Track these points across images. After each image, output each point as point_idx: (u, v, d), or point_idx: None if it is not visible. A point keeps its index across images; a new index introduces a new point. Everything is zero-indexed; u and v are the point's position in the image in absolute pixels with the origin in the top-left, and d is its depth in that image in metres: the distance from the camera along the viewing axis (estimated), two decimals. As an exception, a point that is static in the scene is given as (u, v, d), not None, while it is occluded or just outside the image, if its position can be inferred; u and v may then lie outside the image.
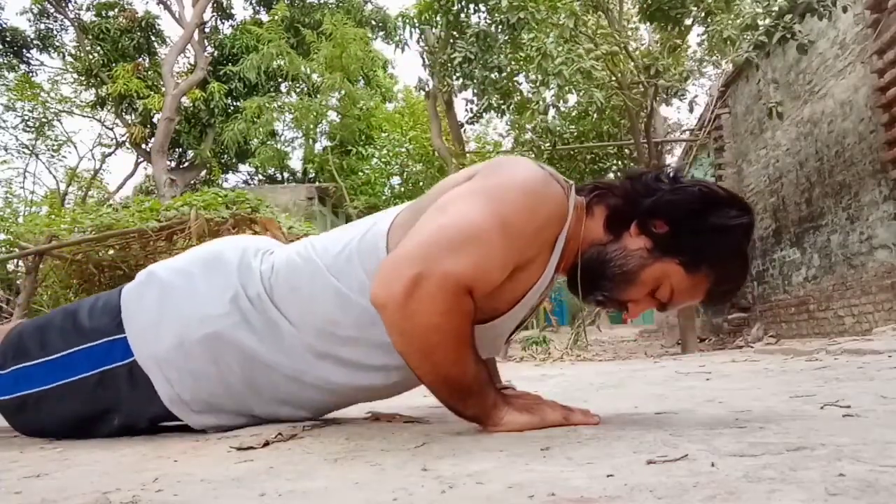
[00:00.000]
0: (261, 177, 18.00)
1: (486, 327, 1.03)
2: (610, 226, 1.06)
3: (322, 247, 1.11)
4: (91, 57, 14.17)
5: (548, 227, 0.99)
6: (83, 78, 14.67)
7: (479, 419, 0.98)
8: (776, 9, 5.54)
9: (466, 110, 10.68)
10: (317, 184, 13.85)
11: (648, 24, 6.86)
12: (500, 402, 0.99)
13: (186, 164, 15.64)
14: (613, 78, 7.00)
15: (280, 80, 14.19)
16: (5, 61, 15.19)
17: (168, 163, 13.92)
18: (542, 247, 1.01)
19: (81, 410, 1.11)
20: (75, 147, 23.92)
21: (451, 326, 0.91)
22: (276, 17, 13.23)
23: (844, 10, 5.19)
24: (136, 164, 17.54)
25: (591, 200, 1.09)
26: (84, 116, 16.98)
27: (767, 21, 5.60)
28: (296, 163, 17.32)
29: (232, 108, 14.08)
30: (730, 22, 5.84)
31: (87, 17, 14.90)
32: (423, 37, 8.95)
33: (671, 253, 1.02)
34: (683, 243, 1.01)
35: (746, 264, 1.07)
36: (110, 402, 1.10)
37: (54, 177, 17.71)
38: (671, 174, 1.07)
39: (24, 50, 15.20)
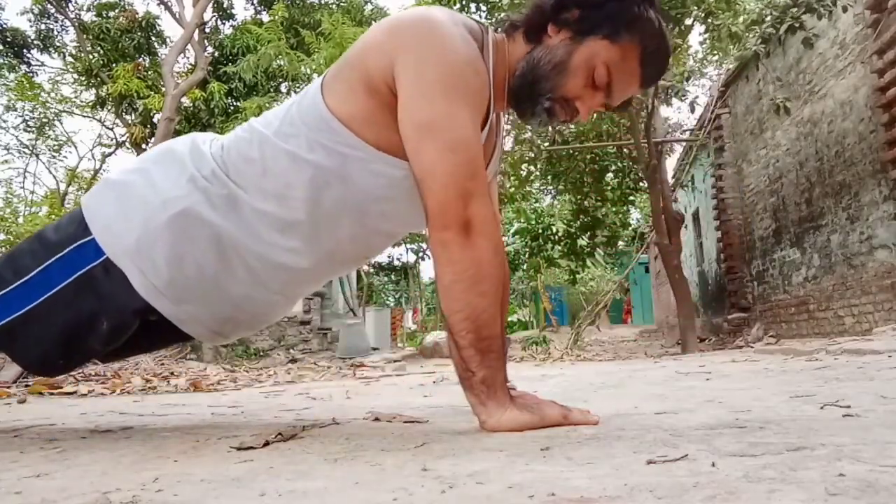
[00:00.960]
0: (261, 177, 17.97)
1: None
2: (528, 38, 1.11)
3: (264, 119, 1.16)
4: (91, 57, 14.18)
5: (482, 84, 1.05)
6: (83, 78, 14.67)
7: (485, 387, 0.99)
8: (780, 3, 5.53)
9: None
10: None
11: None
12: (507, 390, 1.02)
13: (186, 164, 15.62)
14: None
15: (280, 80, 14.19)
16: (6, 61, 15.19)
17: (168, 163, 13.90)
18: (484, 100, 1.07)
19: (68, 321, 1.11)
20: (75, 147, 23.95)
21: (499, 261, 1.02)
22: (276, 18, 13.23)
23: (844, 9, 5.19)
24: (136, 164, 17.51)
25: (508, 31, 1.15)
26: (84, 116, 16.99)
27: (772, 16, 5.59)
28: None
29: (232, 108, 14.08)
30: (732, 19, 5.83)
31: (88, 17, 14.90)
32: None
33: (590, 31, 1.06)
34: (597, 17, 1.06)
35: (662, 23, 1.09)
36: (93, 306, 1.10)
37: (54, 177, 17.72)
38: None
39: (24, 50, 15.21)
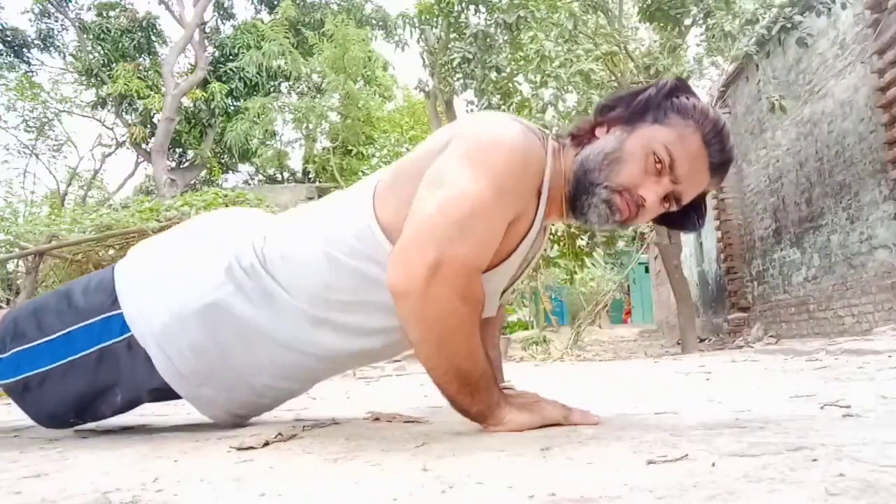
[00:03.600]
0: (261, 177, 18.01)
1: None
2: (578, 141, 1.09)
3: (310, 215, 1.14)
4: (91, 57, 14.18)
5: (532, 179, 1.01)
6: (84, 78, 14.67)
7: (482, 416, 0.99)
8: (777, 4, 5.53)
9: (467, 110, 10.68)
10: (317, 184, 13.85)
11: (648, 23, 6.85)
12: (503, 400, 1.00)
13: (186, 164, 15.65)
14: (613, 78, 7.00)
15: (281, 79, 14.19)
16: (6, 61, 15.19)
17: (168, 163, 13.93)
18: (530, 198, 1.03)
19: (84, 388, 1.12)
20: (75, 147, 23.95)
21: (468, 311, 0.94)
22: (282, 16, 13.22)
23: (844, 6, 5.19)
24: (137, 164, 17.55)
25: (564, 140, 1.12)
26: (84, 116, 16.99)
27: (768, 17, 5.60)
28: (296, 163, 17.33)
29: (232, 108, 14.08)
30: (729, 19, 5.83)
31: (88, 16, 14.91)
32: (423, 37, 8.96)
33: (638, 118, 1.03)
34: (640, 106, 1.04)
35: (706, 106, 1.05)
36: (111, 378, 1.11)
37: (54, 177, 17.70)
38: None
39: (24, 50, 15.21)
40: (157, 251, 1.19)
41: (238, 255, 1.09)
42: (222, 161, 16.09)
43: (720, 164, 1.04)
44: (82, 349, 1.10)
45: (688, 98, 1.05)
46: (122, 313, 1.10)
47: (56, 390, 1.12)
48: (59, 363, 1.11)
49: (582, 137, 1.09)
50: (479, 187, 0.93)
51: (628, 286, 20.79)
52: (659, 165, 1.01)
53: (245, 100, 13.28)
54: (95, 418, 1.19)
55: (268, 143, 14.31)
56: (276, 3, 14.51)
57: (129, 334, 1.09)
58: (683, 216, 1.12)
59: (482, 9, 7.58)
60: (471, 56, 7.06)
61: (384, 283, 0.96)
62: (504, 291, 1.20)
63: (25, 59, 15.49)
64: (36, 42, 15.13)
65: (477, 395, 0.97)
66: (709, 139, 1.02)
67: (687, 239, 11.43)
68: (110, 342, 1.10)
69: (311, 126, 12.89)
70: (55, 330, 1.12)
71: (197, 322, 1.07)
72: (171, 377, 1.09)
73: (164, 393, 1.14)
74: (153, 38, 14.66)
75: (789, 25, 5.35)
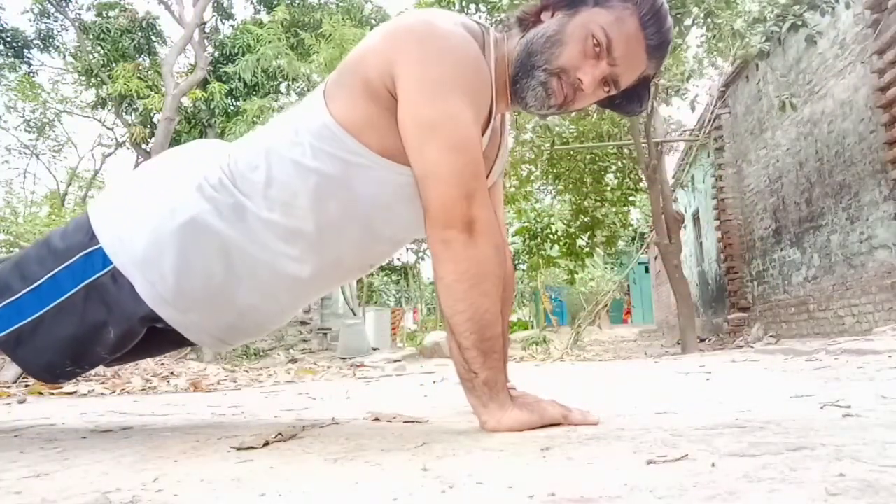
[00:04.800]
0: (261, 177, 17.97)
1: None
2: (522, 26, 1.11)
3: (269, 127, 1.16)
4: (91, 57, 14.18)
5: (484, 81, 1.04)
6: (84, 78, 14.67)
7: (488, 388, 1.00)
8: (782, 2, 5.52)
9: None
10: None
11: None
12: (507, 390, 1.02)
13: (186, 164, 15.64)
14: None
15: (280, 80, 14.19)
16: (6, 62, 15.20)
17: (168, 163, 13.90)
18: (487, 98, 1.06)
19: (76, 329, 1.11)
20: (76, 147, 23.94)
21: (499, 261, 1.01)
22: (276, 18, 13.23)
23: (847, 5, 5.18)
24: (137, 164, 17.56)
25: (505, 29, 1.14)
26: (84, 116, 17.00)
27: (775, 13, 5.58)
28: (296, 163, 17.29)
29: (232, 108, 14.09)
30: (736, 18, 5.82)
31: (88, 17, 14.91)
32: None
33: (581, 3, 1.05)
34: None
35: None
36: (101, 314, 1.10)
37: (54, 177, 17.72)
38: None
39: (24, 50, 15.21)
40: (127, 184, 1.20)
41: (206, 174, 1.11)
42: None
43: (657, 45, 1.06)
44: (68, 290, 1.10)
45: None
46: (101, 247, 1.10)
47: (49, 337, 1.12)
48: (48, 308, 1.10)
49: (527, 21, 1.11)
50: (465, 122, 0.99)
51: (628, 286, 20.80)
52: (597, 48, 1.03)
53: (245, 100, 13.28)
54: (93, 362, 1.18)
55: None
56: (274, 3, 14.51)
57: (111, 266, 1.09)
58: (626, 99, 1.15)
59: (483, 8, 7.57)
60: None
61: (347, 182, 1.05)
62: None
63: (26, 59, 15.49)
64: (36, 42, 15.12)
65: (489, 358, 0.99)
66: (645, 20, 1.04)
67: (687, 239, 11.44)
68: (94, 277, 1.09)
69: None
70: (38, 277, 1.11)
71: (175, 242, 1.08)
72: (156, 303, 1.09)
73: (155, 321, 1.13)
74: (153, 38, 14.67)
75: (799, 23, 5.34)
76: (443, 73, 1.00)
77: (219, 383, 3.44)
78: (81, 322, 1.10)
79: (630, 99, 1.15)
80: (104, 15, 14.52)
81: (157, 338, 1.19)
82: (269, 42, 12.58)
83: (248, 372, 4.91)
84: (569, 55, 1.04)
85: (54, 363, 1.16)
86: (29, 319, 1.11)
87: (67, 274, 1.10)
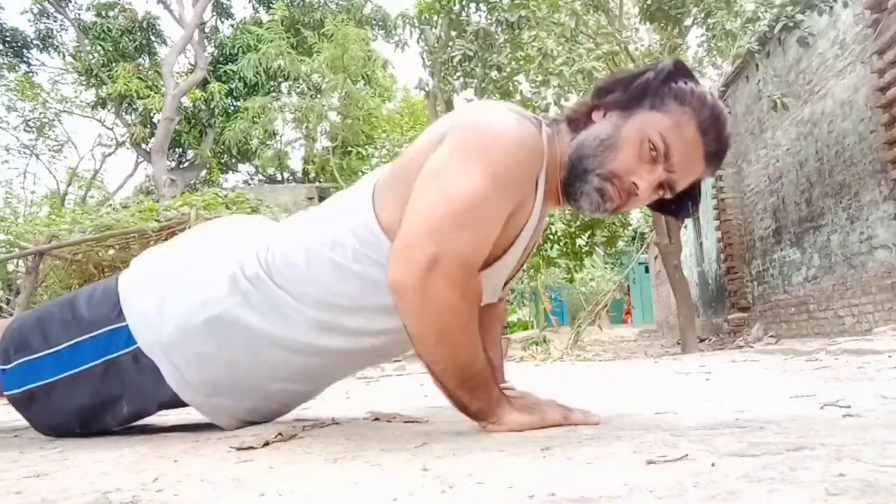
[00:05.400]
0: (261, 177, 18.00)
1: (483, 274, 1.03)
2: (573, 126, 1.08)
3: (312, 221, 1.13)
4: (91, 57, 14.18)
5: (530, 170, 1.00)
6: (83, 78, 14.68)
7: (483, 413, 0.99)
8: (777, 3, 5.53)
9: (466, 109, 10.64)
10: (317, 184, 13.84)
11: (648, 24, 6.85)
12: (503, 399, 1.00)
13: (186, 164, 15.65)
14: (614, 78, 6.97)
15: (281, 80, 14.19)
16: (5, 61, 15.20)
17: (168, 163, 13.93)
18: (529, 188, 1.02)
19: (90, 399, 1.11)
20: (75, 147, 23.97)
21: (466, 306, 0.93)
22: (276, 17, 13.23)
23: (845, 5, 5.18)
24: (137, 164, 17.57)
25: (555, 126, 1.11)
26: (84, 116, 17.00)
27: (769, 15, 5.59)
28: (296, 163, 17.32)
29: (232, 108, 14.09)
30: (730, 18, 5.83)
31: (88, 17, 14.92)
32: (422, 36, 8.95)
33: (635, 103, 1.02)
34: (638, 91, 1.02)
35: (704, 93, 1.03)
36: (118, 390, 1.10)
37: (54, 177, 17.73)
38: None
39: (24, 50, 15.22)
40: (160, 261, 1.17)
41: (242, 265, 1.08)
42: (222, 161, 16.09)
43: (715, 152, 1.03)
44: (88, 361, 1.09)
45: (686, 83, 1.03)
46: (127, 325, 1.09)
47: (62, 402, 1.12)
48: (65, 375, 1.10)
49: (578, 121, 1.08)
50: (476, 181, 0.92)
51: (628, 286, 20.79)
52: (654, 153, 1.00)
53: (245, 100, 13.28)
54: (101, 430, 1.18)
55: (268, 143, 14.32)
56: (273, 2, 14.50)
57: (135, 346, 1.08)
58: (678, 202, 1.11)
59: (483, 7, 7.57)
60: (472, 54, 7.05)
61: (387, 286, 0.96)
62: (507, 282, 1.21)
63: (25, 59, 15.50)
64: (36, 42, 15.13)
65: (476, 392, 0.97)
66: (705, 127, 1.01)
67: (687, 239, 11.44)
68: (116, 354, 1.09)
69: (310, 126, 12.89)
70: (60, 341, 1.11)
71: (203, 333, 1.06)
72: (180, 387, 1.09)
73: (171, 403, 1.13)
74: (153, 38, 14.67)
75: (791, 24, 5.34)
76: (474, 145, 0.95)
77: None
78: (96, 394, 1.11)
79: (682, 201, 1.11)
80: (104, 15, 14.53)
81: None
82: (271, 41, 12.58)
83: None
84: (623, 159, 1.00)
85: (63, 424, 1.17)
86: (44, 382, 1.11)
87: (90, 345, 1.10)
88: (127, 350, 1.08)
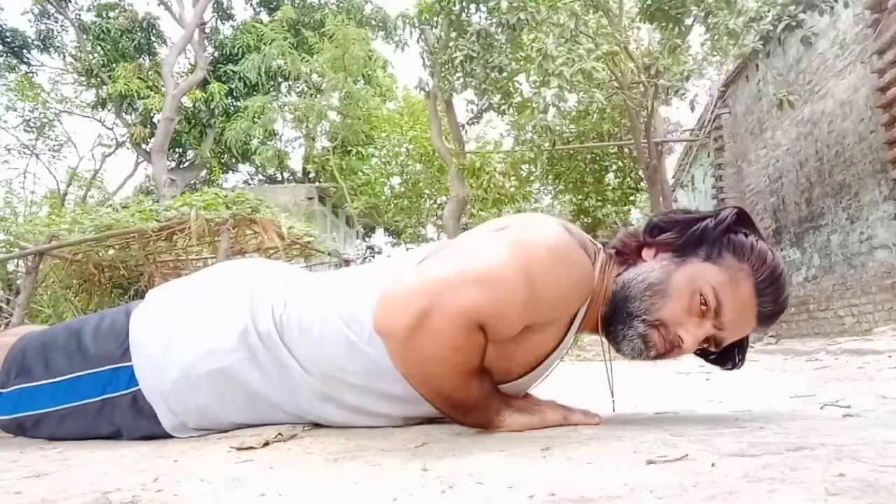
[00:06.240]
0: (261, 177, 18.01)
1: (501, 388, 1.02)
2: (621, 259, 1.03)
3: (336, 287, 1.09)
4: (91, 57, 14.19)
5: (570, 297, 0.96)
6: (84, 78, 14.69)
7: (480, 426, 0.99)
8: (780, 2, 5.52)
9: (467, 110, 10.68)
10: (317, 184, 13.85)
11: (649, 23, 6.85)
12: (503, 406, 0.98)
13: (186, 164, 15.66)
14: (614, 78, 7.00)
15: (281, 79, 14.20)
16: (5, 62, 15.20)
17: (168, 163, 13.93)
18: (563, 314, 0.98)
19: (79, 434, 1.11)
20: (75, 147, 23.99)
21: (458, 360, 0.90)
22: (281, 18, 13.23)
23: (846, 5, 5.18)
24: (137, 164, 17.58)
25: (606, 254, 1.05)
26: (84, 116, 17.01)
27: (772, 14, 5.59)
28: (296, 163, 17.34)
29: (232, 107, 14.09)
30: (732, 17, 5.82)
31: (88, 17, 14.92)
32: (423, 37, 8.95)
33: (690, 251, 0.97)
34: (693, 237, 0.98)
35: (764, 247, 0.98)
36: (109, 428, 1.10)
37: (54, 177, 17.73)
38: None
39: (24, 50, 15.22)
40: (175, 302, 1.14)
41: (255, 319, 1.06)
42: (222, 161, 16.09)
43: (770, 314, 0.98)
44: (85, 397, 1.08)
45: (746, 235, 0.99)
46: (131, 365, 1.07)
47: (51, 431, 1.12)
48: (60, 407, 1.09)
49: (627, 256, 1.03)
50: (505, 264, 0.89)
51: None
52: (704, 307, 0.95)
53: (245, 100, 13.29)
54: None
55: (268, 142, 14.33)
56: (274, 3, 14.51)
57: (135, 388, 1.07)
58: (723, 353, 1.06)
59: (482, 8, 7.58)
60: (473, 54, 7.06)
61: (397, 374, 0.95)
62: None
63: (25, 59, 15.50)
64: (36, 43, 15.13)
65: (471, 415, 0.97)
66: (762, 288, 0.96)
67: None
68: (115, 394, 1.08)
69: (310, 126, 12.90)
70: (61, 372, 1.10)
71: (206, 384, 1.05)
72: (177, 430, 1.08)
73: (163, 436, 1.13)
74: (153, 38, 14.68)
75: (794, 24, 5.34)
76: (524, 249, 0.91)
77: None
78: (88, 430, 1.11)
79: (728, 351, 1.05)
80: (104, 15, 14.54)
81: None
82: (272, 41, 12.58)
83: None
84: (671, 310, 0.95)
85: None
86: (41, 410, 1.10)
87: (91, 381, 1.09)
88: (126, 391, 1.07)
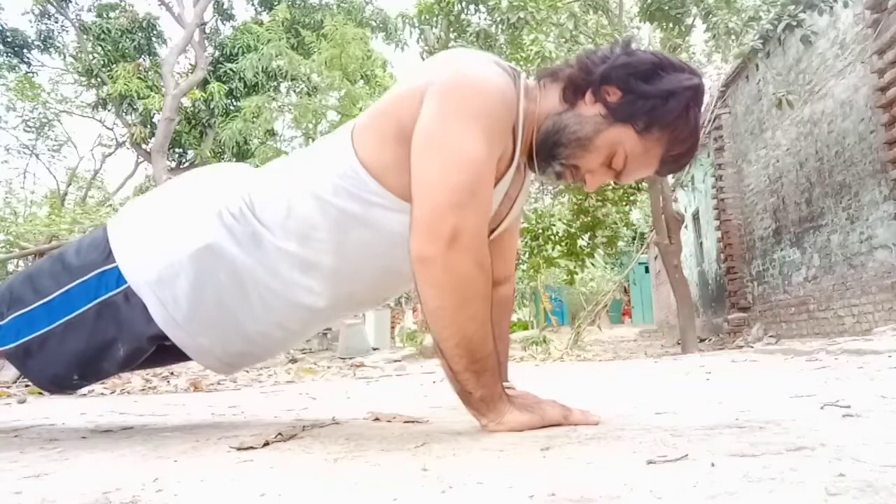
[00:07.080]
0: (261, 177, 17.97)
1: None
2: (565, 96, 1.09)
3: (293, 161, 1.17)
4: (92, 57, 14.18)
5: (508, 121, 1.03)
6: (84, 78, 14.68)
7: (484, 404, 0.99)
8: (780, 1, 5.52)
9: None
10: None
11: (649, 23, 6.85)
12: (505, 396, 1.01)
13: (186, 164, 15.66)
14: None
15: (280, 79, 14.19)
16: (6, 62, 15.20)
17: (168, 163, 13.92)
18: (507, 138, 1.05)
19: (85, 344, 1.12)
20: (75, 147, 23.98)
21: (484, 278, 0.97)
22: (277, 18, 13.23)
23: (846, 5, 5.18)
24: (137, 165, 17.58)
25: (546, 79, 1.13)
26: (84, 117, 17.01)
27: (772, 13, 5.59)
28: (296, 163, 17.28)
29: (232, 107, 14.09)
30: (731, 17, 5.82)
31: (88, 17, 14.91)
32: (422, 36, 8.95)
33: (625, 118, 1.05)
34: (636, 108, 1.04)
35: (698, 127, 1.09)
36: (111, 332, 1.11)
37: (54, 177, 17.74)
38: (624, 43, 1.11)
39: (24, 50, 15.21)
40: (147, 205, 1.21)
41: (227, 203, 1.12)
42: (222, 161, 16.10)
43: (668, 171, 1.12)
44: (80, 306, 1.10)
45: (683, 112, 1.06)
46: (117, 266, 1.10)
47: (58, 351, 1.12)
48: (59, 323, 1.11)
49: (570, 94, 1.09)
50: (479, 145, 0.97)
51: (628, 286, 20.80)
52: (613, 166, 1.08)
53: (245, 99, 13.28)
54: (99, 377, 1.20)
55: (267, 142, 14.33)
56: (274, 4, 14.51)
57: (125, 286, 1.09)
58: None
59: (482, 8, 7.57)
60: (474, 55, 7.05)
61: (367, 220, 1.05)
62: (491, 233, 1.21)
63: (25, 59, 15.49)
64: (36, 43, 15.13)
65: (482, 377, 0.98)
66: (666, 159, 1.08)
67: (687, 239, 11.44)
68: (107, 295, 1.10)
69: (309, 125, 12.89)
70: (51, 291, 1.12)
71: (191, 266, 1.08)
72: (168, 325, 1.10)
73: (164, 338, 1.14)
74: (153, 38, 14.67)
75: (794, 23, 5.34)
76: (463, 97, 0.99)
77: (219, 383, 3.44)
78: (91, 338, 1.11)
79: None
80: (104, 15, 14.54)
81: (163, 352, 1.19)
82: (269, 41, 12.58)
83: (247, 372, 4.91)
84: (587, 161, 1.08)
85: (61, 376, 1.16)
86: (39, 333, 1.11)
87: (81, 290, 1.11)
88: (118, 290, 1.10)
